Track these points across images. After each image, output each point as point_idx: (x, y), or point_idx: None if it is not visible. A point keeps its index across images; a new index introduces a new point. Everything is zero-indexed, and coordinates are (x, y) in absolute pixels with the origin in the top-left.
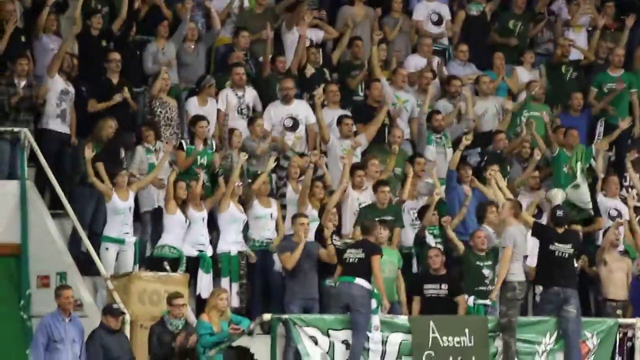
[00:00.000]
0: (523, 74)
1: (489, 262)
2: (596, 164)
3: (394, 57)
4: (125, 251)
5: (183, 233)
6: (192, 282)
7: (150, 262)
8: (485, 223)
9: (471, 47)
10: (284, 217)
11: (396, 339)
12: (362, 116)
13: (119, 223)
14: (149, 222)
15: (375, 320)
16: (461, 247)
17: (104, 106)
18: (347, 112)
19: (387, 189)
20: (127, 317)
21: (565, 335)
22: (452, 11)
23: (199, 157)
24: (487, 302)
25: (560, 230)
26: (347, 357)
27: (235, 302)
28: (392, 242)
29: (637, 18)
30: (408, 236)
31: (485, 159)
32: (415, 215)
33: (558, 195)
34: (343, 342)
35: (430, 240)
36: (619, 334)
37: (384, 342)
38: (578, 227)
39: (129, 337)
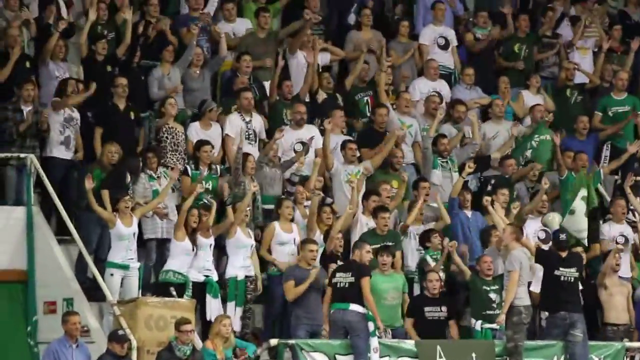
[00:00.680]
0: (529, 97)
1: (496, 287)
2: (604, 188)
3: (402, 82)
4: (129, 277)
5: (189, 260)
6: (199, 307)
7: (156, 287)
8: (492, 246)
9: (477, 70)
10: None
11: None
12: (367, 140)
13: (123, 249)
14: (153, 249)
15: (374, 342)
16: (467, 272)
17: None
18: (351, 138)
19: (387, 215)
20: (134, 343)
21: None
22: (458, 35)
23: (203, 182)
24: (495, 326)
25: (563, 254)
26: None
27: (238, 327)
28: (395, 267)
29: None
30: (414, 261)
31: (493, 182)
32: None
33: (555, 220)
34: None
35: (432, 264)
36: (626, 357)
37: None
38: (579, 249)
39: None
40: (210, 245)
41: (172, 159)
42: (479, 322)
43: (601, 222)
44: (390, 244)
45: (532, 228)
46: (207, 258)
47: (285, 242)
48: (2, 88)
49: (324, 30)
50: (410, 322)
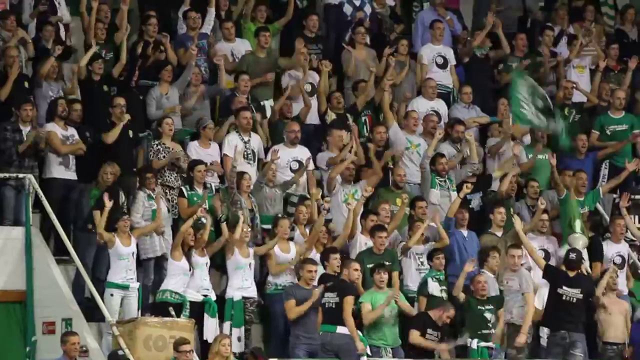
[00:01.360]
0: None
1: (490, 306)
2: (603, 207)
3: (403, 102)
4: (129, 297)
5: (186, 280)
6: (197, 327)
7: (154, 307)
8: (486, 268)
9: (475, 89)
10: None
11: None
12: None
13: (123, 269)
14: (151, 269)
15: None
16: (461, 296)
17: (116, 132)
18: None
19: (384, 234)
20: None
21: None
22: (456, 54)
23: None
24: (491, 344)
25: (571, 274)
26: None
27: (237, 348)
28: (393, 286)
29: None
30: (415, 281)
31: (488, 201)
32: (421, 260)
33: (579, 242)
34: None
35: (434, 287)
36: None
37: None
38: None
39: None
40: (207, 263)
41: (170, 178)
42: (475, 340)
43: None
44: (386, 263)
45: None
46: (204, 277)
47: (283, 262)
48: (1, 108)
49: (321, 49)
50: (417, 334)
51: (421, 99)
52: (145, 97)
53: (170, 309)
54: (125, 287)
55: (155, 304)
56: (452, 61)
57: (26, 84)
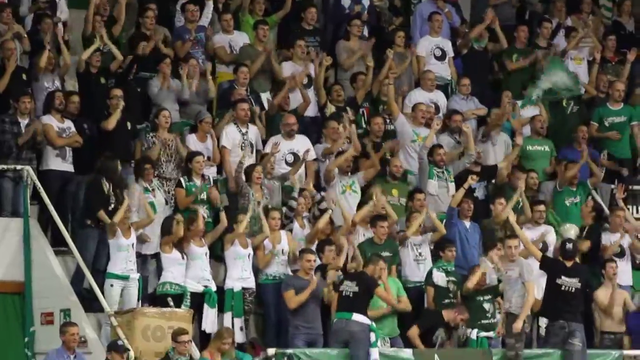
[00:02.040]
0: (525, 109)
1: (489, 296)
2: (600, 197)
3: (402, 90)
4: (129, 288)
5: (182, 269)
6: (197, 317)
7: (154, 299)
8: (488, 259)
9: (474, 81)
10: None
11: None
12: (363, 151)
13: (123, 260)
14: (148, 260)
15: (374, 353)
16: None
17: (115, 118)
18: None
19: (385, 224)
20: (132, 354)
21: None
22: (455, 46)
23: (201, 193)
24: (491, 334)
25: (568, 264)
26: None
27: (239, 338)
28: (391, 274)
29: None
30: (413, 271)
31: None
32: (419, 251)
33: (571, 230)
34: None
35: (441, 278)
36: None
37: None
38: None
39: None
40: (206, 253)
41: (167, 170)
42: (475, 330)
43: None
44: (386, 254)
45: (530, 238)
46: (203, 267)
47: (276, 253)
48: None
49: (319, 41)
50: (415, 331)
51: (419, 91)
52: (143, 89)
53: (169, 299)
54: (125, 278)
55: (156, 297)
56: (450, 53)
57: (24, 77)
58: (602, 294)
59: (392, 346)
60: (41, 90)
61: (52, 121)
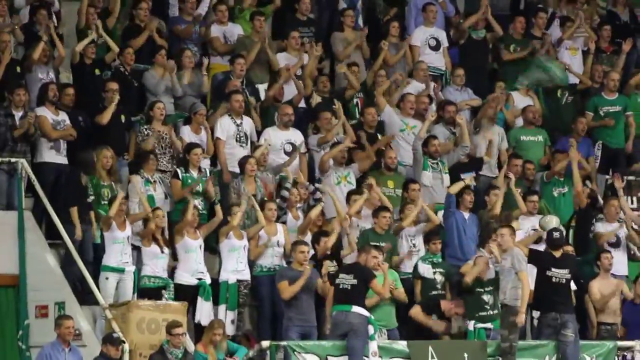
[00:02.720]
0: (519, 99)
1: (489, 288)
2: (596, 187)
3: (404, 82)
4: (125, 280)
5: (162, 262)
6: (191, 310)
7: (145, 292)
8: (486, 250)
9: (469, 71)
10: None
11: None
12: (357, 141)
13: (118, 252)
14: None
15: (373, 346)
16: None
17: (109, 112)
18: (340, 139)
19: (387, 214)
20: (127, 347)
21: (564, 359)
22: (449, 37)
23: (200, 186)
24: (489, 325)
25: (557, 254)
26: None
27: (231, 330)
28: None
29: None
30: (407, 262)
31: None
32: (413, 242)
33: (552, 221)
34: None
35: (426, 270)
36: (618, 356)
37: None
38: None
39: None
40: (200, 246)
41: (162, 162)
42: (472, 322)
43: (594, 221)
44: (383, 244)
45: (525, 227)
46: (198, 260)
47: (271, 245)
48: None
49: (314, 32)
50: (419, 309)
51: (413, 82)
52: (138, 81)
53: (163, 291)
54: (120, 271)
55: (139, 291)
56: (445, 43)
57: (18, 69)
58: (597, 285)
59: (389, 338)
60: (35, 82)
61: (46, 113)
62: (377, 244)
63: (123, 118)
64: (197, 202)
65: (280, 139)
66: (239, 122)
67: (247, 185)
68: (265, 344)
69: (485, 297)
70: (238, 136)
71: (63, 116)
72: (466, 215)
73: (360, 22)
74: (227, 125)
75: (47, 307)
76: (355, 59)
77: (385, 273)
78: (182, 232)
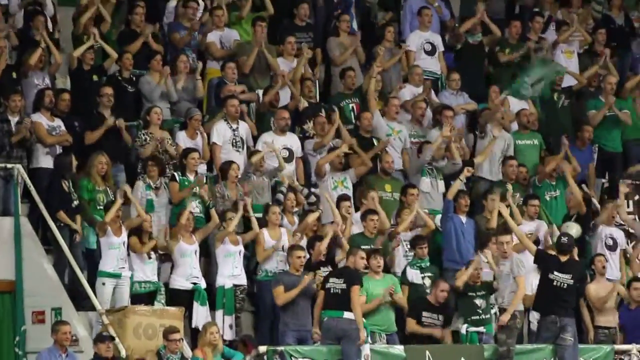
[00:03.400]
0: (514, 103)
1: (482, 292)
2: (590, 191)
3: (398, 87)
4: (121, 286)
5: (151, 266)
6: (187, 315)
7: (136, 298)
8: (482, 255)
9: (466, 76)
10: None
11: None
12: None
13: (114, 258)
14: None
15: (366, 349)
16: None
17: (98, 134)
18: (337, 144)
19: (375, 217)
20: (123, 352)
21: None
22: (444, 41)
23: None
24: (481, 329)
25: (563, 259)
26: None
27: (229, 335)
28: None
29: (626, 45)
30: (401, 267)
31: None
32: (408, 247)
33: (573, 229)
34: None
35: (415, 275)
36: None
37: None
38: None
39: None
40: (195, 251)
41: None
42: (465, 325)
43: (590, 224)
44: (378, 247)
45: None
46: (193, 265)
47: (269, 248)
48: None
49: (312, 37)
50: (413, 322)
51: (407, 86)
52: (135, 86)
53: (160, 297)
54: (117, 276)
55: (131, 297)
56: (440, 48)
57: (14, 75)
58: (594, 289)
59: (388, 342)
60: (31, 88)
61: (41, 119)
62: (377, 248)
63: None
64: (195, 204)
65: (278, 144)
66: (234, 127)
67: (230, 190)
68: (263, 349)
69: (478, 302)
70: (234, 141)
71: (58, 122)
72: (463, 219)
73: (355, 26)
74: (223, 130)
75: (44, 312)
76: (351, 63)
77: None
78: (177, 237)
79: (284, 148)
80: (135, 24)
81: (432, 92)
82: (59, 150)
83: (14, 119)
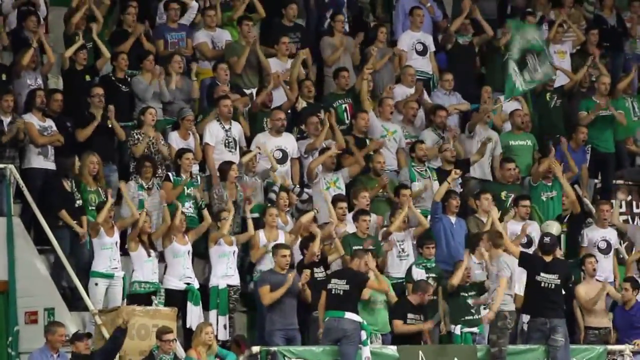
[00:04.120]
0: (507, 103)
1: (473, 292)
2: (583, 191)
3: (389, 87)
4: (114, 286)
5: (150, 265)
6: (181, 315)
7: (135, 298)
8: (476, 255)
9: (457, 76)
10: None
11: None
12: (346, 147)
13: (107, 258)
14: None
15: (366, 351)
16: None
17: (88, 131)
18: (329, 145)
19: (367, 218)
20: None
21: None
22: (436, 41)
23: (185, 188)
24: (475, 330)
25: (547, 259)
26: None
27: (222, 335)
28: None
29: (618, 46)
30: (395, 267)
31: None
32: (402, 247)
33: (553, 227)
34: None
35: (420, 275)
36: None
37: None
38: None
39: None
40: (188, 251)
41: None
42: (459, 326)
43: (583, 225)
44: (370, 248)
45: (514, 232)
46: (186, 265)
47: (267, 248)
48: None
49: (300, 37)
50: (400, 323)
51: (400, 86)
52: (127, 87)
53: (153, 297)
54: (110, 277)
55: (129, 296)
56: (432, 48)
57: (4, 77)
58: (583, 290)
59: (383, 343)
60: (23, 88)
61: (33, 120)
62: (367, 248)
63: (109, 124)
64: (188, 205)
65: (271, 145)
66: (227, 127)
67: (228, 191)
68: (256, 349)
69: (470, 302)
70: (227, 141)
71: (50, 122)
72: (453, 219)
73: (346, 27)
74: (216, 131)
75: (37, 313)
76: (344, 63)
77: (375, 271)
78: (170, 237)
79: (278, 149)
80: (127, 23)
81: (425, 92)
82: (51, 150)
83: (5, 119)
